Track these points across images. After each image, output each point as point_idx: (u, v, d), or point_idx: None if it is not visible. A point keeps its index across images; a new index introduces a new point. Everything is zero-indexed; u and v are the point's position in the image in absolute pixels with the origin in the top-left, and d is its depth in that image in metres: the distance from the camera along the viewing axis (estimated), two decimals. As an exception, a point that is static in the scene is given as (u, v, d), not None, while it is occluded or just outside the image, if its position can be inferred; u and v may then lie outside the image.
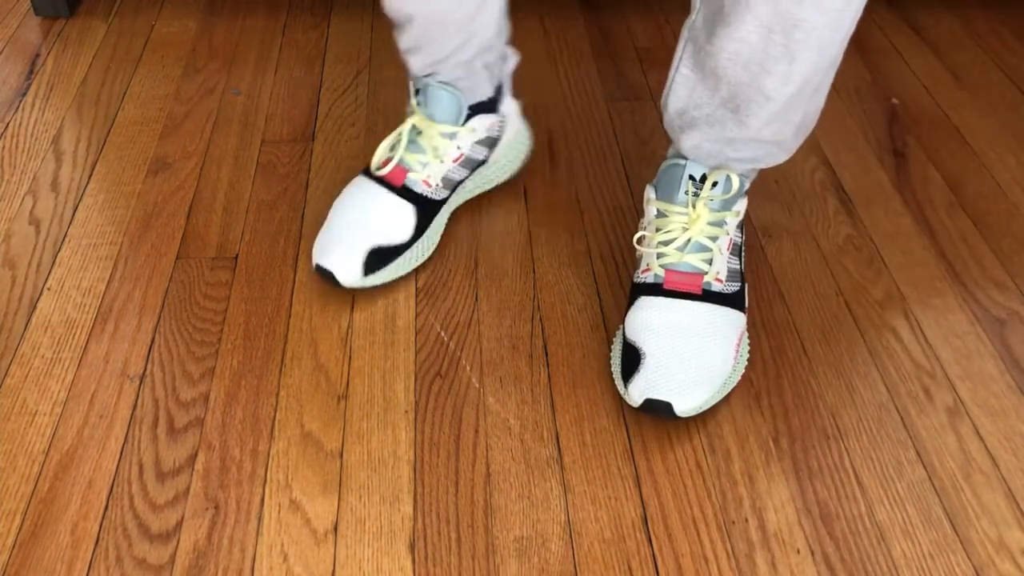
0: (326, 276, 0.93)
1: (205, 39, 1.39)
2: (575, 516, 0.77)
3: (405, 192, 0.97)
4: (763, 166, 0.90)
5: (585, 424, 0.84)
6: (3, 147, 1.17)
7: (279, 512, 0.78)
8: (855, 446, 0.83)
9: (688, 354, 0.83)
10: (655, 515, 0.77)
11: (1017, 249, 1.02)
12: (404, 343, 0.91)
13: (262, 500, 0.78)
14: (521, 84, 1.28)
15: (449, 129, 0.97)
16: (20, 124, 1.21)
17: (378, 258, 0.94)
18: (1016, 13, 1.44)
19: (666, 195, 0.90)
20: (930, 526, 0.77)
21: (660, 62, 1.32)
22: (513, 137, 1.05)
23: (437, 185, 0.98)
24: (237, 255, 1.02)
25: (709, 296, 0.87)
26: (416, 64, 0.96)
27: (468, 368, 0.89)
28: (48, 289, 0.97)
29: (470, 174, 1.02)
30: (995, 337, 0.92)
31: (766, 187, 1.10)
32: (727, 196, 0.88)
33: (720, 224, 0.89)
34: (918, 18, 1.43)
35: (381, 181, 0.97)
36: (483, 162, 1.03)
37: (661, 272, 0.88)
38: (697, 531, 0.76)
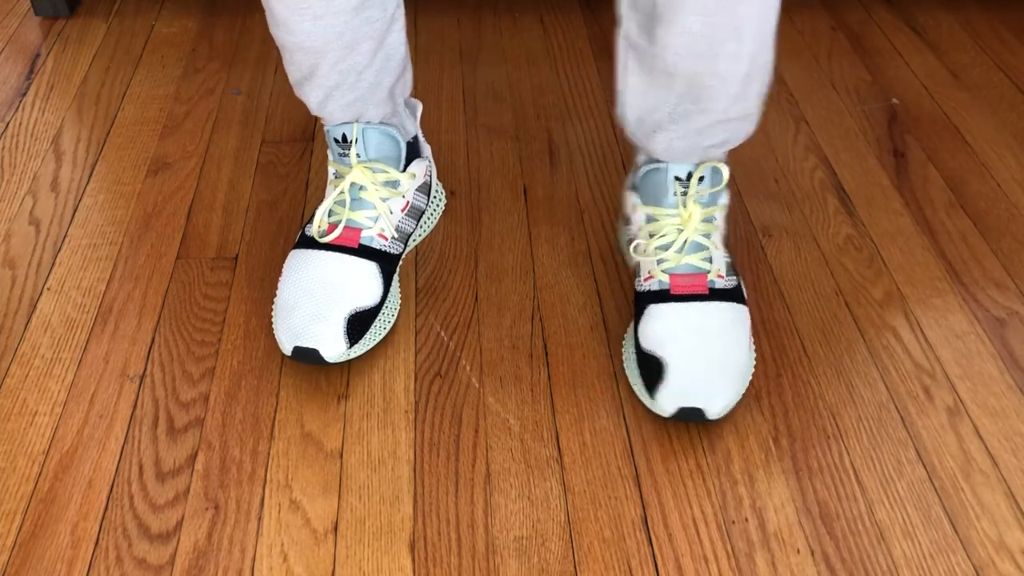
0: (306, 357, 0.85)
1: (205, 39, 1.39)
2: (575, 516, 0.77)
3: (364, 251, 0.90)
4: (736, 143, 0.88)
5: (585, 424, 0.84)
6: (3, 147, 1.17)
7: (279, 512, 0.78)
8: (855, 446, 0.83)
9: (710, 356, 0.83)
10: (655, 515, 0.77)
11: (1017, 249, 1.02)
12: (404, 343, 0.91)
13: (262, 500, 0.78)
14: (521, 84, 1.28)
15: (393, 177, 0.92)
16: (20, 124, 1.21)
17: (357, 325, 0.87)
18: (1016, 13, 1.44)
19: (653, 199, 0.88)
20: (930, 526, 0.77)
21: (660, 62, 1.32)
22: (435, 180, 1.03)
23: (393, 237, 0.92)
24: (237, 255, 1.02)
25: (716, 294, 0.87)
26: (338, 105, 0.89)
27: (468, 368, 0.89)
28: (48, 289, 0.97)
29: (416, 225, 0.98)
30: (995, 337, 0.92)
31: (766, 187, 1.10)
32: (716, 189, 0.88)
33: (711, 220, 0.88)
34: (918, 18, 1.43)
35: (331, 248, 0.90)
36: (423, 211, 0.99)
37: (665, 278, 0.87)
38: (697, 531, 0.76)
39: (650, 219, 0.89)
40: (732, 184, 1.11)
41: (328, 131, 0.92)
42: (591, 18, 1.43)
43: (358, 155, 0.91)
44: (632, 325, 0.89)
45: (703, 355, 0.83)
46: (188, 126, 1.21)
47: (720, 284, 0.87)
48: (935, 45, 1.37)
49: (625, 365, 0.88)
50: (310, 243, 0.91)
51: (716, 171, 0.88)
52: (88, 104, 1.25)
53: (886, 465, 0.81)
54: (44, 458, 0.81)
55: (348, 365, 0.89)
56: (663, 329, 0.84)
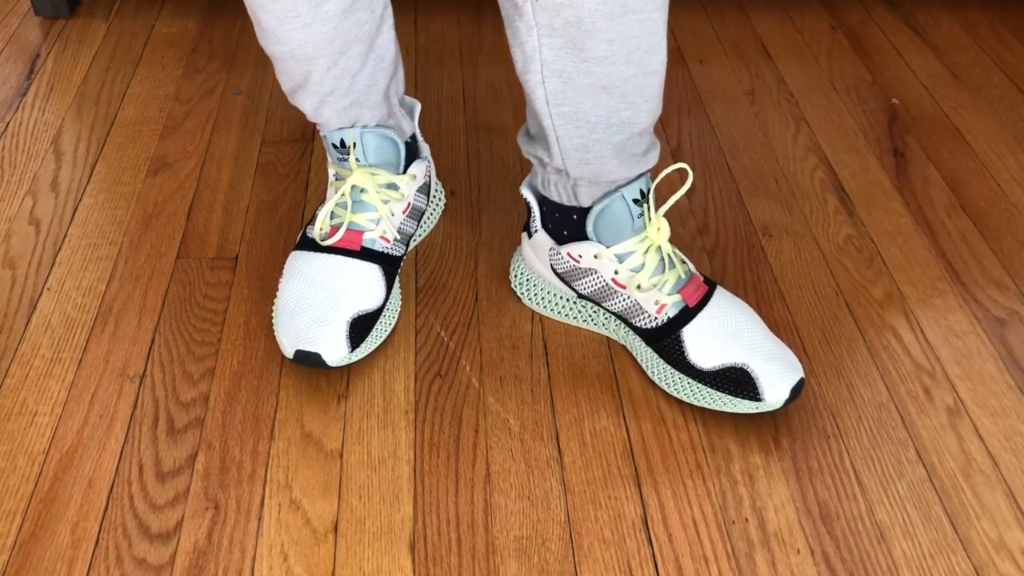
0: (309, 361, 0.85)
1: (205, 39, 1.39)
2: (575, 516, 0.77)
3: (366, 254, 0.90)
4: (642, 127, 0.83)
5: (585, 424, 0.84)
6: (3, 147, 1.17)
7: (279, 512, 0.78)
8: (855, 446, 0.83)
9: (766, 334, 0.85)
10: (655, 515, 0.77)
11: (1017, 249, 1.02)
12: (404, 343, 0.91)
13: (262, 500, 0.78)
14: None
15: (394, 179, 0.92)
16: (20, 124, 1.21)
17: (359, 328, 0.87)
18: (1016, 13, 1.44)
19: (616, 235, 0.85)
20: (930, 526, 0.77)
21: (660, 62, 1.32)
22: (434, 180, 1.03)
23: (395, 239, 0.92)
24: (237, 255, 1.02)
25: (709, 281, 0.87)
26: (333, 111, 0.89)
27: (468, 368, 0.89)
28: (48, 289, 0.97)
29: (417, 226, 0.98)
30: (995, 337, 0.92)
31: (766, 187, 1.10)
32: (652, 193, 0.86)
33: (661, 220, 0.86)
34: (918, 18, 1.43)
35: (334, 251, 0.90)
36: (424, 211, 0.99)
37: (677, 297, 0.85)
38: (697, 531, 0.76)
39: (623, 256, 0.85)
40: (732, 184, 1.11)
41: (325, 137, 0.92)
42: (591, 18, 1.43)
43: (357, 160, 0.91)
44: (659, 361, 0.86)
45: (766, 335, 0.84)
46: (188, 126, 1.21)
47: (699, 272, 0.87)
48: (935, 45, 1.37)
49: (691, 398, 0.85)
50: (312, 245, 0.91)
51: (649, 179, 0.85)
52: (88, 104, 1.25)
53: (886, 465, 0.81)
54: (44, 458, 0.81)
55: (348, 365, 0.89)
56: (718, 341, 0.83)
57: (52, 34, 1.40)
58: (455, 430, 0.84)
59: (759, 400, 0.81)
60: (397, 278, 0.94)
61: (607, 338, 0.92)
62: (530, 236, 0.91)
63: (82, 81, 1.30)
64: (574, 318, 0.92)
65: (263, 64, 1.33)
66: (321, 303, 0.87)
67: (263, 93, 1.27)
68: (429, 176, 1.00)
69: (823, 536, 0.76)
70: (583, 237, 0.86)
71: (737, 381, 0.82)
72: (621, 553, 0.75)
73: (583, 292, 0.89)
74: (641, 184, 0.84)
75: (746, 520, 0.77)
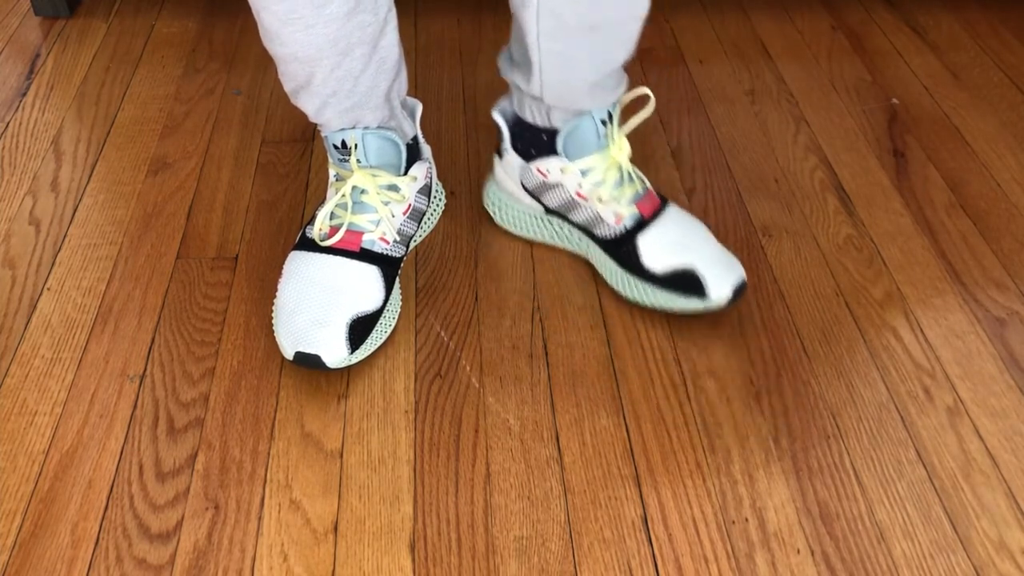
0: (308, 362, 0.85)
1: (205, 39, 1.39)
2: (575, 516, 0.77)
3: (365, 255, 0.90)
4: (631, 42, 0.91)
5: (585, 424, 0.84)
6: (3, 147, 1.17)
7: (279, 512, 0.78)
8: (855, 446, 0.83)
9: (714, 242, 0.93)
10: (655, 515, 0.77)
11: (1017, 249, 1.02)
12: (404, 343, 0.91)
13: (262, 500, 0.78)
14: (521, 84, 1.28)
15: (395, 180, 0.92)
16: (20, 124, 1.21)
17: (359, 329, 0.87)
18: (1016, 13, 1.44)
19: (582, 151, 0.93)
20: (930, 526, 0.77)
21: (660, 61, 1.32)
22: (435, 181, 1.03)
23: (395, 240, 0.92)
24: (237, 255, 1.02)
25: (663, 198, 0.96)
26: (335, 112, 0.89)
27: (468, 368, 0.89)
28: (48, 289, 0.97)
29: (417, 227, 0.97)
30: (995, 337, 0.92)
31: (766, 187, 1.11)
32: (618, 98, 0.93)
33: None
34: (918, 18, 1.43)
35: (333, 251, 0.90)
36: (424, 212, 0.99)
37: (634, 209, 0.93)
38: (697, 531, 0.76)
39: (586, 171, 0.93)
40: (732, 184, 1.11)
41: (326, 137, 0.92)
42: (591, 18, 1.43)
43: (359, 161, 0.91)
44: (617, 268, 0.94)
45: (705, 244, 0.92)
46: (188, 126, 1.21)
47: (652, 187, 0.96)
48: (935, 45, 1.37)
49: (642, 297, 0.93)
50: (311, 245, 0.91)
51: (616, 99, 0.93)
52: (88, 104, 1.25)
53: (886, 465, 0.81)
54: (44, 458, 0.82)
55: (348, 365, 0.89)
56: (669, 247, 0.91)
57: (52, 34, 1.40)
58: (455, 430, 0.84)
59: (705, 298, 0.89)
60: (397, 280, 0.94)
61: (607, 339, 0.92)
62: (500, 157, 0.99)
63: (82, 81, 1.30)
64: (542, 235, 1.01)
65: (263, 64, 1.33)
66: (320, 304, 0.87)
67: (263, 93, 1.27)
68: (430, 177, 0.99)
69: (823, 536, 0.76)
70: (551, 153, 0.95)
71: (685, 282, 0.90)
72: (621, 553, 0.75)
73: (550, 206, 0.98)
74: (609, 107, 0.92)
75: (746, 520, 0.77)
